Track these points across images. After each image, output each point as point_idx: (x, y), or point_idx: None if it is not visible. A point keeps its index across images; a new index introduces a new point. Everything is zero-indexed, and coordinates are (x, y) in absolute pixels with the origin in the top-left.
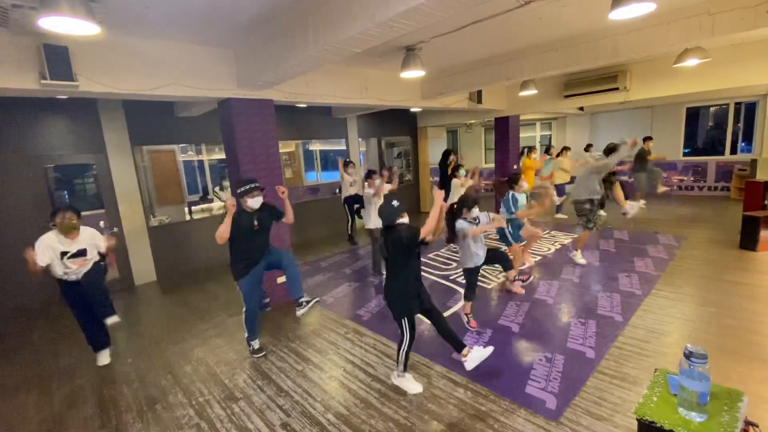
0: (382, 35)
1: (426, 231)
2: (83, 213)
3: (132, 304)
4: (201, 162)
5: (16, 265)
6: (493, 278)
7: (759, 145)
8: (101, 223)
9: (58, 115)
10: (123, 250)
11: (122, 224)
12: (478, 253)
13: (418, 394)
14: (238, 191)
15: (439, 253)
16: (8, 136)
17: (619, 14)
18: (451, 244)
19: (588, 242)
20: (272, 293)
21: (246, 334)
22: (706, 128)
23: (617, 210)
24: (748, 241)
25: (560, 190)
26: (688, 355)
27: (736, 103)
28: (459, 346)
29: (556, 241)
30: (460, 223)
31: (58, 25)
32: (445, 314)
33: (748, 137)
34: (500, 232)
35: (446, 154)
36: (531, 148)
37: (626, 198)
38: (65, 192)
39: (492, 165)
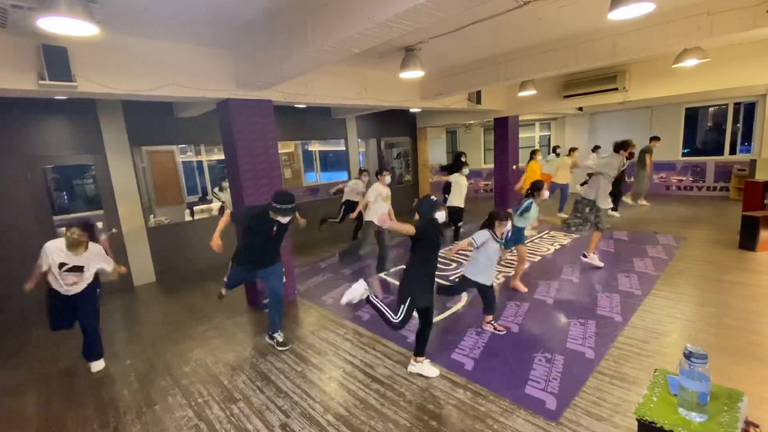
0: (381, 35)
1: (384, 219)
2: (83, 213)
3: (131, 305)
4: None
5: (15, 266)
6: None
7: (758, 146)
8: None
9: (56, 116)
10: (122, 250)
11: (121, 225)
12: (486, 274)
13: (417, 394)
14: (276, 206)
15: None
16: (7, 137)
17: (618, 14)
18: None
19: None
20: None
21: (225, 279)
22: (705, 128)
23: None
24: (748, 241)
25: (564, 189)
26: (688, 356)
27: (735, 104)
28: (421, 352)
29: (555, 242)
30: (478, 234)
31: (57, 25)
32: (444, 315)
33: (747, 137)
34: (514, 234)
35: (458, 157)
36: (536, 151)
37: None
38: (64, 193)
39: (491, 165)
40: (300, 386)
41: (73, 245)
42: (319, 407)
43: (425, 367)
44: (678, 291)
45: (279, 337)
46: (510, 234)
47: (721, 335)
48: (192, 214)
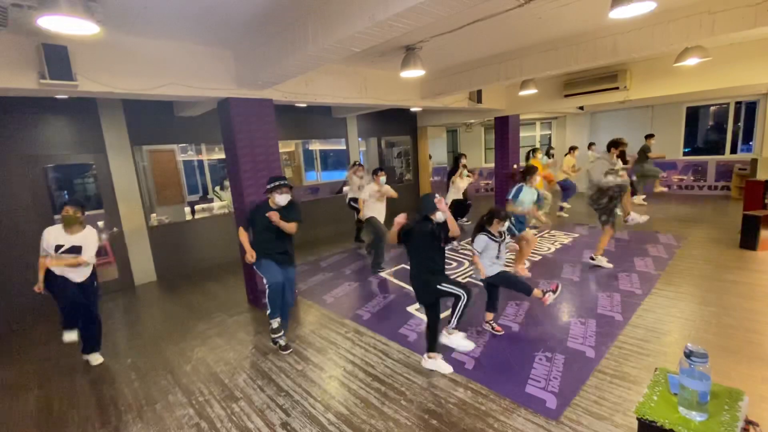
0: (381, 34)
1: (392, 234)
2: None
3: (132, 304)
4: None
5: (15, 264)
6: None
7: (759, 145)
8: (100, 224)
9: (57, 115)
10: (123, 249)
11: (122, 224)
12: (492, 268)
13: (418, 393)
14: (267, 187)
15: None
16: (8, 135)
17: (619, 13)
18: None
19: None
20: None
21: (268, 311)
22: (707, 127)
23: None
24: (749, 240)
25: (564, 186)
26: (689, 355)
27: (737, 103)
28: (432, 348)
29: (555, 241)
30: (478, 241)
31: (57, 24)
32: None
33: (749, 137)
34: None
35: (457, 159)
36: (536, 150)
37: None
38: (65, 192)
39: (492, 165)
40: (301, 385)
41: (67, 222)
42: (320, 406)
43: (439, 363)
44: (679, 290)
45: (282, 341)
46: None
47: (722, 334)
48: (193, 213)
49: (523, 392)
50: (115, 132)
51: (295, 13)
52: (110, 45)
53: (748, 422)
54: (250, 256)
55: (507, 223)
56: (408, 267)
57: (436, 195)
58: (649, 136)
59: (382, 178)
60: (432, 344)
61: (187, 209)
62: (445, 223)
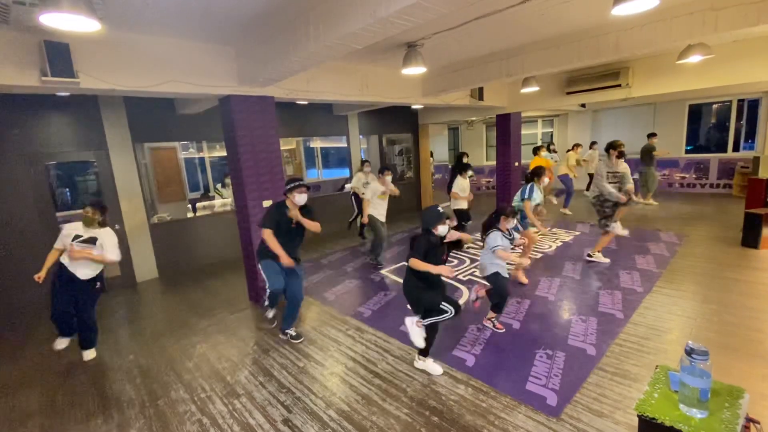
0: (383, 31)
1: (413, 262)
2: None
3: (134, 301)
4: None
5: (17, 262)
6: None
7: (762, 143)
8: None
9: (59, 112)
10: (124, 247)
11: (123, 221)
12: (492, 266)
13: (419, 390)
14: (287, 188)
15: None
16: (10, 133)
17: (621, 10)
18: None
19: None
20: None
21: (266, 303)
22: (709, 125)
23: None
24: (750, 238)
25: (566, 182)
26: (690, 352)
27: (739, 100)
28: (423, 352)
29: (557, 238)
30: (496, 238)
31: (59, 21)
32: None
33: (751, 134)
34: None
35: (460, 158)
36: (539, 147)
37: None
38: (67, 189)
39: (494, 162)
40: (302, 382)
41: (87, 222)
42: (321, 403)
43: (429, 364)
44: (680, 288)
45: (292, 331)
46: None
47: (723, 332)
48: (194, 210)
49: (524, 389)
50: (117, 129)
51: (297, 10)
52: (112, 42)
53: (749, 420)
54: (287, 260)
55: (515, 221)
56: None
57: (440, 207)
58: (651, 135)
59: (388, 178)
60: (423, 349)
61: (189, 206)
62: (445, 242)
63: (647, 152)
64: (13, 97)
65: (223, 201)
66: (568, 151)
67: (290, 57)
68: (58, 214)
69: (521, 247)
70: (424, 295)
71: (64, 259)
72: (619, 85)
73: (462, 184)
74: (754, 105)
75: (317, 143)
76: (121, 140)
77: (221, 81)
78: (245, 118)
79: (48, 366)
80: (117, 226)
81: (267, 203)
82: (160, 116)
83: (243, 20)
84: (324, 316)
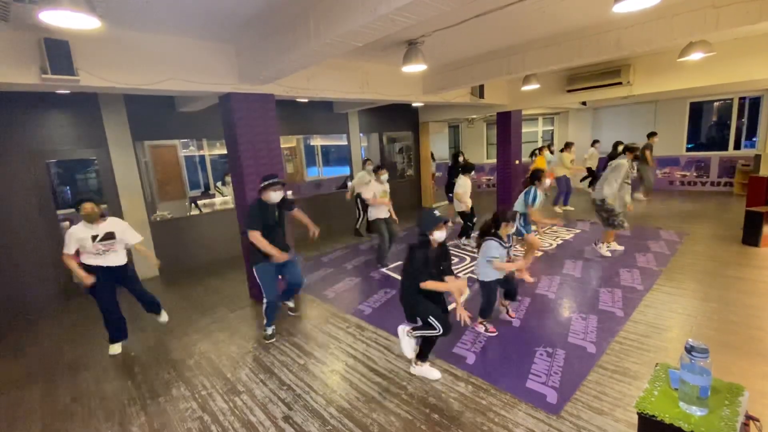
0: (383, 29)
1: (426, 284)
2: None
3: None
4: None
5: (19, 260)
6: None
7: (763, 141)
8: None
9: (59, 110)
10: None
11: (124, 219)
12: (490, 273)
13: (419, 388)
14: (262, 185)
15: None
16: (10, 130)
17: (623, 7)
18: (462, 239)
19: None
20: None
21: (264, 321)
22: (710, 123)
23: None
24: (751, 236)
25: (561, 183)
26: (690, 350)
27: (740, 98)
28: (420, 357)
29: (557, 237)
30: (491, 248)
31: (59, 19)
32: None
33: (752, 132)
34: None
35: (456, 157)
36: (541, 149)
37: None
38: (67, 187)
39: (494, 160)
40: (303, 379)
41: (88, 217)
42: (322, 400)
43: (425, 370)
44: (680, 286)
45: (290, 303)
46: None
47: (723, 330)
48: (198, 208)
49: (524, 387)
50: (117, 127)
51: (297, 8)
52: (112, 40)
53: (749, 417)
54: (280, 254)
55: (515, 226)
56: None
57: (436, 212)
58: (651, 134)
59: (384, 176)
60: (420, 354)
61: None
62: (445, 247)
63: (645, 150)
64: (14, 94)
65: (223, 199)
66: (561, 150)
67: (291, 54)
68: (59, 212)
69: (523, 250)
70: (420, 303)
71: (90, 260)
72: (620, 83)
73: (466, 185)
74: (755, 103)
75: (317, 141)
76: (122, 138)
77: (221, 79)
78: (246, 116)
79: (50, 364)
80: None
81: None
82: (161, 114)
83: (243, 18)
84: (324, 314)
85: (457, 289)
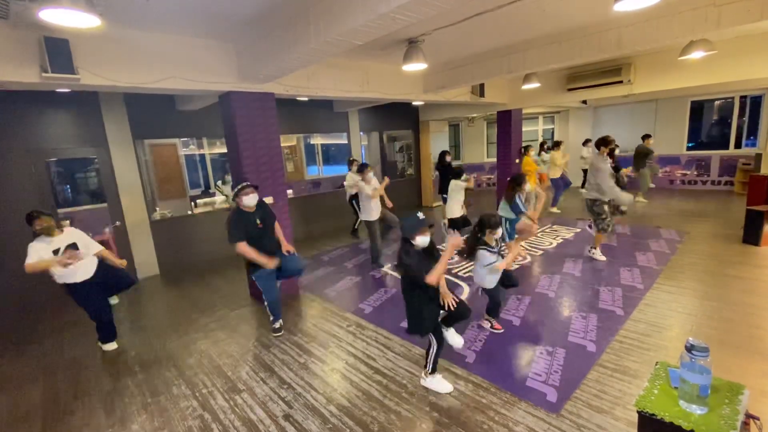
0: (384, 27)
1: (432, 278)
2: (86, 207)
3: (135, 298)
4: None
5: (19, 259)
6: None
7: (764, 140)
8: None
9: (59, 109)
10: (125, 243)
11: (125, 218)
12: (490, 278)
13: (419, 386)
14: (233, 194)
15: (441, 247)
16: (10, 129)
17: (624, 6)
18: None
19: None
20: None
21: (270, 318)
22: (711, 122)
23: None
24: (751, 235)
25: (556, 183)
26: (690, 349)
27: (741, 97)
28: (434, 368)
29: (557, 236)
30: (484, 258)
31: (59, 17)
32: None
33: (753, 131)
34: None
35: (443, 156)
36: (528, 147)
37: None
38: (67, 186)
39: (494, 159)
40: (303, 377)
41: (46, 231)
42: (322, 398)
43: (437, 382)
44: (680, 285)
45: (276, 324)
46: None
47: (723, 329)
48: (196, 206)
49: (524, 385)
50: (117, 126)
51: (298, 7)
52: (112, 38)
53: (749, 416)
54: (269, 261)
55: (501, 231)
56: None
57: (420, 215)
58: (646, 137)
59: (370, 174)
60: (432, 365)
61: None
62: (429, 249)
63: (640, 155)
64: (14, 93)
65: (223, 198)
66: (550, 150)
67: (291, 53)
68: (60, 210)
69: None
70: (425, 307)
71: (65, 278)
72: (621, 82)
73: (457, 189)
74: (756, 102)
75: (318, 140)
76: (122, 137)
77: (222, 77)
78: (246, 115)
79: (51, 361)
80: (118, 223)
81: (268, 200)
82: (161, 113)
83: (243, 16)
84: (325, 313)
85: (453, 247)
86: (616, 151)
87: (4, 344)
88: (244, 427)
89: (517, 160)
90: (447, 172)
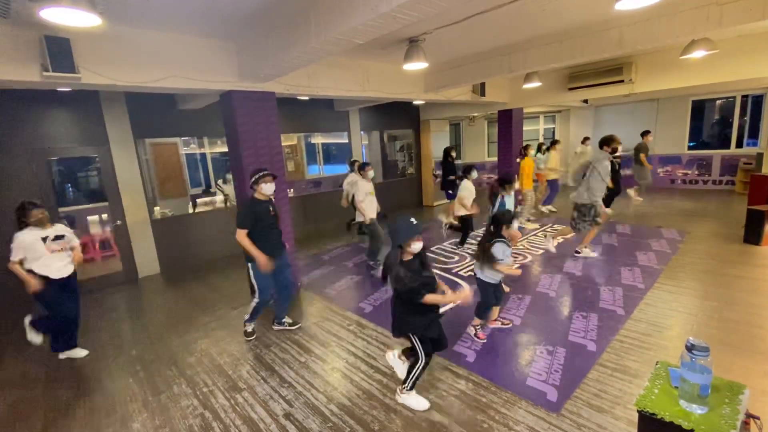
0: (384, 26)
1: (429, 300)
2: (87, 206)
3: (135, 297)
4: (203, 155)
5: None
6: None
7: (765, 139)
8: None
9: (60, 108)
10: (126, 242)
11: (125, 217)
12: (497, 277)
13: (419, 386)
14: (253, 179)
15: (442, 246)
16: (11, 128)
17: (625, 4)
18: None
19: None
20: None
21: (246, 317)
22: (712, 121)
23: (621, 205)
24: (752, 235)
25: (553, 186)
26: (690, 348)
27: (743, 96)
28: (412, 385)
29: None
30: (500, 250)
31: (60, 16)
32: (447, 306)
33: (755, 131)
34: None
35: (447, 152)
36: (527, 147)
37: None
38: (69, 185)
39: (495, 158)
40: (303, 376)
41: (40, 222)
42: (323, 397)
43: (411, 399)
44: (681, 285)
45: (288, 319)
46: None
47: (724, 329)
48: (196, 205)
49: (525, 385)
50: (118, 125)
51: (298, 5)
52: (112, 37)
53: (749, 415)
54: (265, 262)
55: (516, 224)
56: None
57: (413, 220)
58: (645, 133)
59: (370, 173)
60: (411, 379)
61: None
62: (422, 255)
63: (639, 152)
64: (15, 92)
65: (224, 197)
66: (547, 150)
67: (291, 52)
68: (61, 209)
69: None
70: (411, 318)
71: (43, 269)
72: (622, 81)
73: (470, 188)
74: (758, 101)
75: (318, 139)
76: (123, 136)
77: (222, 76)
78: (246, 114)
79: (51, 361)
80: (119, 222)
81: None
82: (162, 112)
83: (244, 15)
84: (325, 312)
85: (464, 299)
86: (619, 149)
87: (4, 344)
88: (245, 425)
89: (518, 159)
90: (451, 169)
